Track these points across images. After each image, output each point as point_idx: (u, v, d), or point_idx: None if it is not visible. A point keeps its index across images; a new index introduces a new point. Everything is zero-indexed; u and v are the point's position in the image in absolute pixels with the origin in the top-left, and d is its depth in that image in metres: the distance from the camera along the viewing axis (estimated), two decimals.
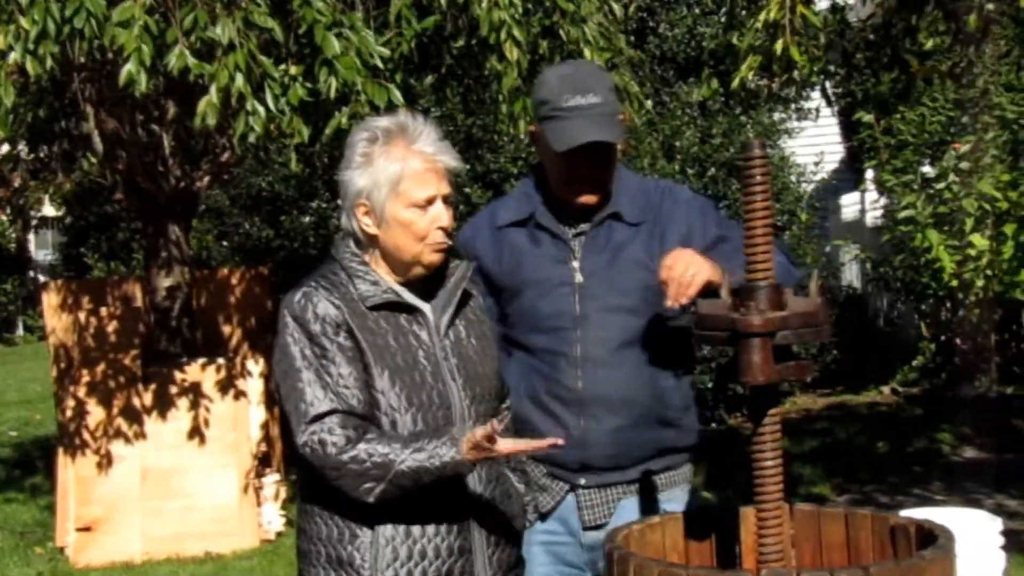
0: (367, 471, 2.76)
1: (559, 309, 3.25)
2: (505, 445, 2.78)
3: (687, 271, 2.94)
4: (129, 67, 5.03)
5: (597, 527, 3.25)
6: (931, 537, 2.52)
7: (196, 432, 7.89)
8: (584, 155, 3.16)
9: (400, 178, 2.88)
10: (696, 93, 9.48)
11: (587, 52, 6.32)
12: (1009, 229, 9.80)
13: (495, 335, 3.19)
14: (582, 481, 3.28)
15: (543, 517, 3.33)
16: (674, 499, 3.33)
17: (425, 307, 2.97)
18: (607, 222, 3.29)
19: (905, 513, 2.90)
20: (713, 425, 10.57)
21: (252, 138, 5.29)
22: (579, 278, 3.26)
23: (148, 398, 7.90)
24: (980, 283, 9.76)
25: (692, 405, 3.40)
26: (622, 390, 3.23)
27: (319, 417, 2.79)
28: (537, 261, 3.29)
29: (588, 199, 3.25)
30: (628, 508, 3.28)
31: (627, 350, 3.23)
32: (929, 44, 7.07)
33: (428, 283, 3.00)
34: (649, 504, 3.28)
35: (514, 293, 3.32)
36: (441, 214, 2.91)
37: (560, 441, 2.90)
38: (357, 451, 2.76)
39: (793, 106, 13.21)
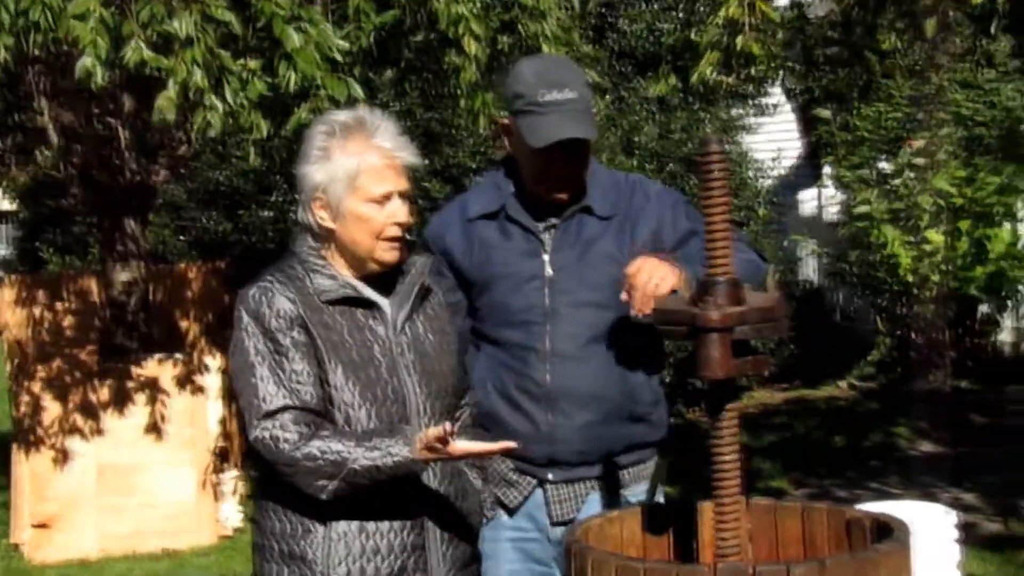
0: (320, 468, 2.75)
1: (529, 303, 3.24)
2: (459, 447, 2.78)
3: (651, 280, 2.90)
4: (85, 60, 4.99)
5: (565, 522, 3.22)
6: (887, 530, 2.54)
7: (153, 428, 7.84)
8: (559, 151, 3.15)
9: (357, 173, 2.87)
10: (654, 89, 9.49)
11: (546, 47, 6.32)
12: (964, 225, 9.90)
13: (456, 331, 3.18)
14: (550, 476, 3.27)
15: (511, 513, 3.31)
16: (642, 493, 3.32)
17: (383, 302, 2.96)
18: (578, 216, 3.27)
19: (862, 507, 2.92)
20: (672, 419, 10.59)
21: (211, 133, 5.25)
22: (549, 272, 3.24)
23: (105, 394, 7.84)
24: (935, 278, 9.86)
25: (662, 400, 3.39)
26: (591, 385, 3.21)
27: (272, 413, 2.78)
28: (507, 255, 3.28)
29: (561, 195, 3.24)
30: (596, 503, 3.26)
31: (597, 345, 3.21)
32: (887, 43, 7.11)
33: (387, 278, 2.99)
34: (617, 499, 3.26)
35: (484, 287, 3.30)
36: (398, 210, 2.90)
37: (514, 444, 2.90)
38: (310, 448, 2.75)
39: (752, 102, 13.26)
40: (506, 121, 3.31)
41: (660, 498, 3.37)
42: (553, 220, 3.28)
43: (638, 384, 3.28)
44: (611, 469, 3.30)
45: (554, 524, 3.28)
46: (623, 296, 2.96)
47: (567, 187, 3.24)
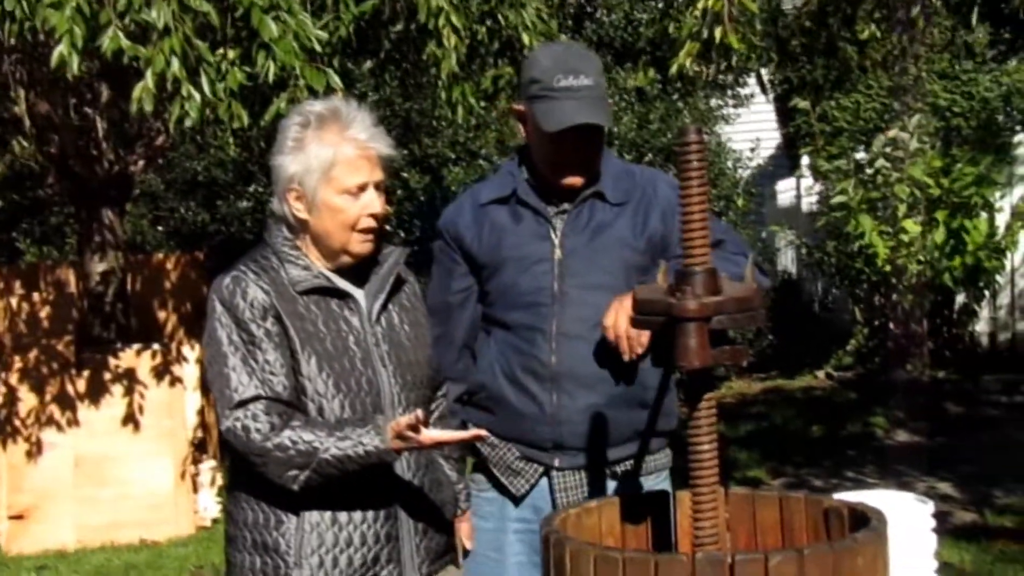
0: (291, 459, 2.75)
1: (538, 285, 3.23)
2: (430, 435, 2.78)
3: (632, 335, 2.96)
4: (61, 49, 4.96)
5: None
6: (864, 520, 2.55)
7: (131, 419, 7.82)
8: (573, 137, 3.15)
9: (332, 164, 2.86)
10: (633, 80, 9.51)
11: (526, 37, 6.32)
12: (941, 215, 9.93)
13: (429, 322, 3.18)
14: (556, 463, 3.25)
15: (516, 503, 3.31)
16: (654, 486, 3.29)
17: (357, 293, 2.95)
18: (590, 201, 3.28)
19: (839, 496, 2.93)
20: None
21: (188, 123, 5.23)
22: (559, 255, 3.24)
23: (82, 385, 7.82)
24: (913, 268, 9.89)
25: (672, 387, 3.36)
26: (597, 367, 3.20)
27: (244, 403, 2.77)
28: (518, 238, 3.28)
29: (574, 180, 3.24)
30: (603, 493, 3.23)
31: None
32: (865, 34, 7.14)
33: (361, 268, 2.98)
34: (625, 489, 3.24)
35: (494, 270, 3.30)
36: (373, 201, 2.90)
37: (485, 433, 2.90)
38: (281, 438, 2.75)
39: (730, 92, 13.29)
40: (521, 107, 3.31)
41: (665, 484, 3.35)
42: (565, 205, 3.28)
43: (647, 369, 3.24)
44: (619, 457, 3.29)
45: None
46: (610, 340, 3.02)
47: (580, 173, 3.24)
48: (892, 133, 8.81)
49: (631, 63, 11.58)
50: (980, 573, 6.12)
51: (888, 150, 8.44)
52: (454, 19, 6.04)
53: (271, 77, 5.29)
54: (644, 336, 2.93)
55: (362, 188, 2.88)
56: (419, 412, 2.75)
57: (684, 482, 2.51)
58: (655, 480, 3.33)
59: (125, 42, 5.05)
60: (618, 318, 3.00)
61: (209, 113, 5.30)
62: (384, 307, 2.98)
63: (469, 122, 8.78)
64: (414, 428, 2.72)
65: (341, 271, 2.96)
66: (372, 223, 2.90)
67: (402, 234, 10.74)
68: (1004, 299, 11.88)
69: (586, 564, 2.38)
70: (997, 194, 10.68)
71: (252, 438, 2.75)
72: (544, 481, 3.29)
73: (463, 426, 3.26)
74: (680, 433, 2.84)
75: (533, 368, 3.23)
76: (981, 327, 11.94)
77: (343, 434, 2.75)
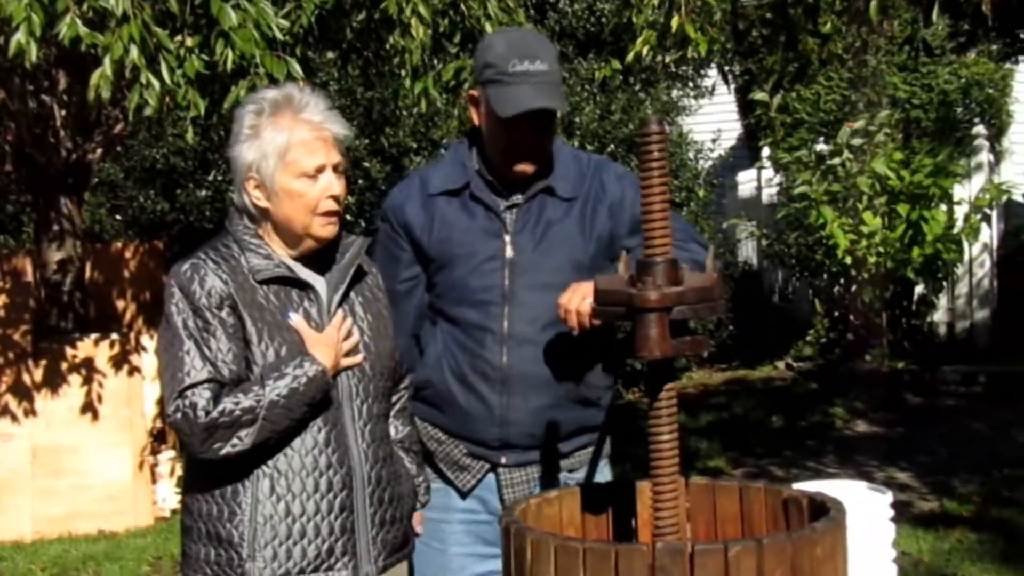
0: (238, 419, 2.74)
1: (488, 283, 3.22)
2: (335, 321, 2.87)
3: (584, 300, 2.95)
4: (18, 37, 4.90)
5: None
6: (823, 509, 2.56)
7: (89, 409, 7.76)
8: (526, 123, 3.13)
9: (288, 148, 2.85)
10: (598, 71, 9.50)
11: (488, 27, 6.29)
12: (902, 209, 10.00)
13: (392, 313, 3.17)
14: (503, 460, 3.26)
15: (463, 495, 3.31)
16: (599, 475, 3.33)
17: (318, 283, 2.94)
18: (540, 196, 3.26)
19: (798, 486, 2.94)
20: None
21: (147, 111, 5.19)
22: (510, 253, 3.23)
23: (39, 375, 7.75)
24: (873, 260, 9.95)
25: (612, 384, 3.39)
26: (546, 368, 3.21)
27: (192, 387, 2.76)
28: (468, 234, 3.25)
29: (526, 168, 3.22)
30: (549, 486, 3.24)
31: (554, 328, 3.19)
32: (828, 27, 7.15)
33: (323, 259, 2.97)
34: (573, 483, 3.25)
35: (443, 264, 3.28)
36: (332, 183, 2.89)
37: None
38: (223, 405, 2.74)
39: (691, 84, 13.31)
40: (474, 92, 3.28)
41: (606, 476, 3.37)
42: (516, 198, 3.26)
43: (592, 369, 3.29)
44: (563, 452, 3.30)
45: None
46: (562, 317, 3.02)
47: (532, 160, 3.22)
48: (858, 124, 8.85)
49: (594, 53, 11.57)
50: (938, 562, 6.17)
51: (854, 142, 8.49)
52: (421, 9, 6.01)
53: (230, 65, 5.25)
54: (592, 312, 2.92)
55: (320, 170, 2.87)
56: (297, 317, 2.83)
57: (643, 472, 2.52)
58: (599, 468, 3.36)
59: (83, 29, 5.00)
60: (573, 296, 3.00)
61: (168, 101, 5.25)
62: (345, 297, 2.96)
63: (432, 112, 8.76)
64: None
65: (304, 260, 2.94)
66: (333, 205, 2.89)
67: (363, 223, 10.70)
68: (962, 289, 11.97)
69: (546, 554, 2.38)
70: (955, 186, 10.77)
71: (198, 415, 2.74)
72: (491, 476, 3.30)
73: (411, 419, 3.26)
74: (635, 425, 2.84)
75: (483, 370, 3.22)
76: (939, 317, 12.03)
77: (278, 374, 2.77)
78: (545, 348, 3.20)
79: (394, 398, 3.15)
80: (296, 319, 2.83)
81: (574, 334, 3.04)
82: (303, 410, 2.78)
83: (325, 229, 2.91)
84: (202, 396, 2.75)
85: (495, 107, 3.14)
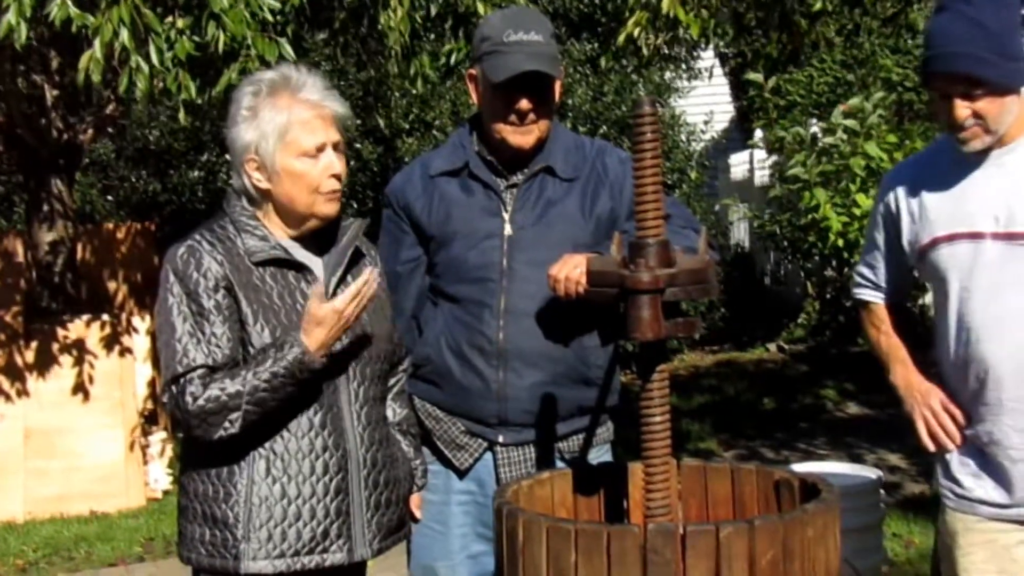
0: (225, 404, 2.74)
1: (487, 260, 3.23)
2: (340, 301, 2.77)
3: (574, 270, 2.96)
4: (9, 17, 4.89)
5: None
6: (814, 491, 2.57)
7: (80, 390, 7.76)
8: (522, 90, 3.14)
9: (288, 127, 2.84)
10: (595, 54, 9.49)
11: (482, 9, 6.28)
12: None
13: (390, 297, 3.17)
14: (500, 438, 3.26)
15: (460, 476, 3.32)
16: (596, 459, 3.31)
17: (315, 265, 2.94)
18: (540, 176, 3.27)
19: (790, 468, 2.95)
20: None
21: (137, 94, 5.17)
22: (508, 230, 3.24)
23: (30, 356, 7.75)
24: (864, 242, 9.94)
25: (615, 364, 3.38)
26: (543, 344, 3.21)
27: (186, 372, 2.77)
28: (468, 212, 3.27)
29: (523, 140, 3.22)
30: (547, 467, 3.23)
31: (553, 305, 3.19)
32: (818, 5, 7.14)
33: (321, 240, 2.97)
34: (569, 464, 3.24)
35: (443, 243, 3.29)
36: (333, 162, 2.88)
37: (375, 274, 2.86)
38: (210, 391, 2.75)
39: (684, 66, 13.29)
40: (473, 71, 3.30)
41: (607, 457, 3.37)
42: (516, 178, 3.27)
43: (591, 347, 3.28)
44: (562, 433, 3.30)
45: None
46: (551, 286, 3.03)
47: (529, 133, 3.21)
48: (854, 102, 8.83)
49: (587, 34, 11.55)
50: (928, 544, 6.18)
51: (848, 122, 8.48)
52: None
53: (221, 47, 5.23)
54: (582, 280, 2.91)
55: (320, 149, 2.87)
56: (317, 287, 2.78)
57: (635, 454, 2.52)
58: (597, 453, 3.36)
59: (74, 10, 4.99)
60: (563, 267, 3.01)
61: (158, 83, 5.24)
62: (342, 280, 2.96)
63: (426, 93, 8.74)
64: (320, 304, 2.75)
65: (302, 241, 2.94)
66: (335, 184, 2.90)
67: (355, 205, 10.69)
68: None
69: (539, 535, 2.39)
70: None
71: (187, 401, 2.75)
72: (488, 455, 3.30)
73: (409, 399, 3.26)
74: (626, 407, 2.85)
75: (479, 344, 3.23)
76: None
77: (262, 358, 2.76)
78: (541, 321, 3.20)
79: (392, 381, 3.15)
80: (315, 289, 2.80)
81: (564, 302, 3.03)
82: (288, 391, 2.78)
83: (328, 207, 2.91)
84: (194, 383, 2.76)
85: (490, 74, 3.15)
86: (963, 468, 3.01)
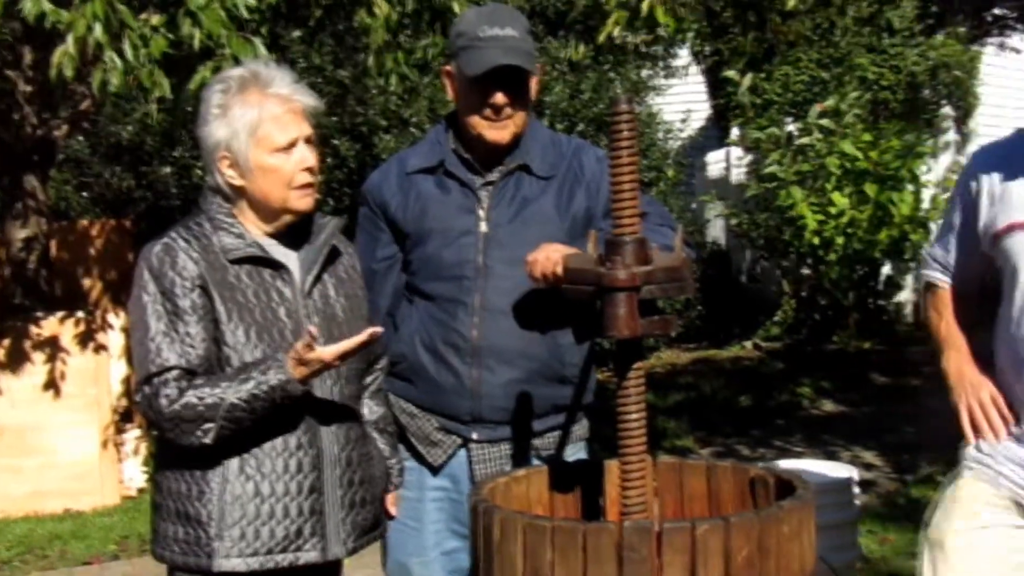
0: (200, 414, 2.73)
1: (462, 258, 3.22)
2: (329, 350, 2.75)
3: (550, 256, 2.95)
4: None
5: None
6: (790, 488, 2.57)
7: (53, 387, 7.71)
8: (497, 85, 3.13)
9: (259, 123, 2.83)
10: (573, 54, 9.48)
11: (457, 7, 6.27)
12: (870, 189, 10.03)
13: (367, 295, 3.16)
14: (474, 435, 3.26)
15: (434, 472, 3.31)
16: (570, 457, 3.31)
17: (291, 263, 2.92)
18: (516, 174, 3.26)
19: (766, 465, 2.95)
20: None
21: (111, 91, 5.14)
22: (484, 228, 3.23)
23: (3, 353, 7.69)
24: (840, 241, 9.98)
25: (591, 363, 3.38)
26: (518, 342, 3.21)
27: (160, 372, 2.75)
28: (443, 209, 3.26)
29: (498, 135, 3.21)
30: (521, 465, 3.23)
31: (528, 303, 3.19)
32: (791, 3, 7.16)
33: (297, 238, 2.96)
34: (544, 462, 3.24)
35: (418, 240, 3.28)
36: (306, 156, 2.88)
37: (379, 329, 2.85)
38: (187, 398, 2.73)
39: (661, 64, 13.30)
40: (449, 68, 3.29)
41: (582, 455, 3.36)
42: (492, 176, 3.27)
43: (566, 345, 3.27)
44: (537, 430, 3.29)
45: None
46: (527, 271, 3.00)
47: (504, 129, 3.20)
48: (830, 102, 8.86)
49: (564, 32, 11.54)
50: (903, 541, 6.21)
51: (823, 122, 8.51)
52: None
53: (197, 45, 5.20)
54: (559, 263, 2.87)
55: (292, 144, 2.86)
56: (311, 329, 2.73)
57: (611, 452, 2.52)
58: (573, 451, 3.35)
59: (48, 5, 4.96)
60: (539, 253, 2.99)
61: (132, 80, 5.21)
62: (318, 279, 2.95)
63: (401, 90, 8.72)
64: (311, 348, 2.71)
65: (279, 238, 2.93)
66: (308, 177, 2.88)
67: (332, 202, 10.65)
68: None
69: (515, 533, 2.38)
70: (923, 167, 10.81)
71: (161, 404, 2.74)
72: (462, 452, 3.30)
73: (385, 400, 3.26)
74: (603, 405, 2.84)
75: (454, 341, 3.22)
76: (906, 298, 12.10)
77: (244, 376, 2.74)
78: (517, 318, 3.20)
79: (368, 379, 3.15)
80: (308, 329, 2.75)
81: (540, 286, 3.00)
82: (265, 411, 2.76)
83: (302, 202, 2.90)
84: (168, 385, 2.75)
85: (465, 69, 3.15)
86: (1002, 453, 2.94)
